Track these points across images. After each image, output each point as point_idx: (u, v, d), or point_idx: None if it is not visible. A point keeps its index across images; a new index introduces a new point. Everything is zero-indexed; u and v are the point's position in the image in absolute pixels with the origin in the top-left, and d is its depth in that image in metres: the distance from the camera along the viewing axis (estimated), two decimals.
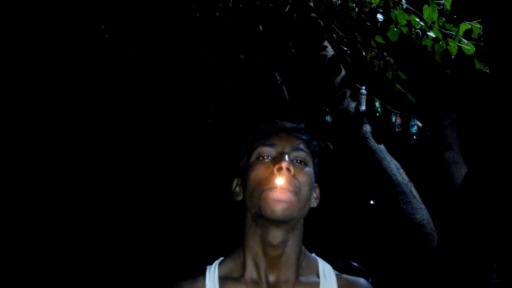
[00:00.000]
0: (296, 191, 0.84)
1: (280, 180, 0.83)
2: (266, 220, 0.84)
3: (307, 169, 0.88)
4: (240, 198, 0.92)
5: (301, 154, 0.88)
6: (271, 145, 0.88)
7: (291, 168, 0.84)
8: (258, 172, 0.86)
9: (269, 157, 0.87)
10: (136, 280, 5.63)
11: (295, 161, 0.87)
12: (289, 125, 0.94)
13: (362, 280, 0.95)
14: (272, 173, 0.84)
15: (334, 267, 0.96)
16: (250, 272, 0.89)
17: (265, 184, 0.83)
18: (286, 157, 0.85)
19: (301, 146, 0.90)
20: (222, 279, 0.90)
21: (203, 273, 0.93)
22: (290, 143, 0.89)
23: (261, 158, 0.88)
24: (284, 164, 0.83)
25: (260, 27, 2.73)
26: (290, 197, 0.83)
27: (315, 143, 0.94)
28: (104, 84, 3.49)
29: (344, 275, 0.94)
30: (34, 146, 4.52)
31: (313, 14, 2.46)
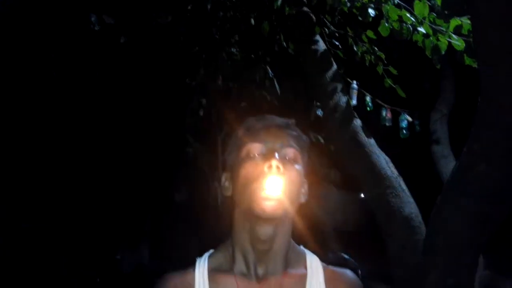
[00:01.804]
0: (286, 189, 0.84)
1: (270, 179, 0.83)
2: (255, 217, 0.85)
3: (296, 166, 0.88)
4: (229, 193, 0.93)
5: (291, 151, 0.88)
6: (261, 141, 0.88)
7: (281, 166, 0.84)
8: (248, 170, 0.86)
9: (259, 154, 0.87)
10: (127, 273, 5.63)
11: (285, 158, 0.87)
12: (279, 120, 0.93)
13: (348, 272, 0.97)
14: (262, 171, 0.84)
15: (324, 259, 0.98)
16: (239, 265, 0.90)
17: (255, 183, 0.84)
18: (276, 154, 0.85)
19: (291, 142, 0.90)
20: (212, 271, 0.91)
21: (192, 266, 0.93)
22: (280, 140, 0.89)
23: (251, 155, 0.88)
24: (274, 163, 0.83)
25: (252, 20, 2.72)
26: (280, 196, 0.83)
27: (305, 138, 0.94)
28: (93, 71, 3.46)
29: (331, 267, 0.96)
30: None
31: (305, 8, 2.45)
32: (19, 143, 4.67)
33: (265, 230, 0.86)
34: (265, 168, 0.84)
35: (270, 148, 0.87)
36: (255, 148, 0.88)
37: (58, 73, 3.45)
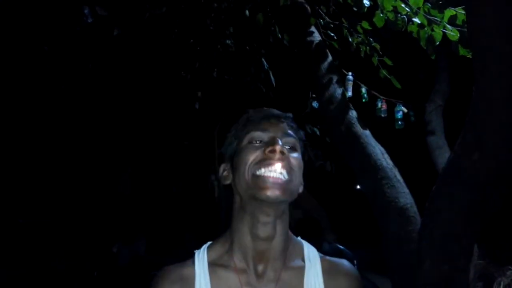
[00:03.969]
0: (289, 174, 0.85)
1: (274, 162, 0.84)
2: (257, 202, 0.85)
3: (296, 154, 0.90)
4: (228, 181, 0.93)
5: (291, 140, 0.90)
6: (263, 130, 0.90)
7: (285, 151, 0.85)
8: (251, 155, 0.87)
9: (261, 142, 0.89)
10: (124, 266, 5.64)
11: (285, 146, 0.89)
12: (278, 112, 0.96)
13: (345, 262, 0.98)
14: (265, 156, 0.85)
15: (320, 251, 0.98)
16: (239, 260, 0.91)
17: (259, 166, 0.85)
18: (279, 141, 0.87)
19: (291, 132, 0.92)
20: (211, 264, 0.91)
21: (191, 258, 0.94)
22: (280, 129, 0.91)
23: (253, 142, 0.89)
24: (277, 147, 0.85)
25: (247, 12, 2.70)
26: (284, 179, 0.84)
27: (302, 132, 0.96)
28: (86, 63, 3.43)
29: (328, 257, 0.97)
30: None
31: None
32: (16, 139, 4.64)
33: (265, 215, 0.86)
34: (268, 153, 0.85)
35: (271, 135, 0.89)
36: (257, 136, 0.90)
37: (51, 66, 3.42)
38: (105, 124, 4.75)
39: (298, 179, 0.89)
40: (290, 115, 0.96)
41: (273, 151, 0.84)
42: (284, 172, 0.84)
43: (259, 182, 0.84)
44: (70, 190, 5.53)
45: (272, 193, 0.83)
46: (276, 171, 0.84)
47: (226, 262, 0.91)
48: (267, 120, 0.92)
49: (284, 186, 0.84)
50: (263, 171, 0.84)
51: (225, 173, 0.95)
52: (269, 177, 0.83)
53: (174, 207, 6.02)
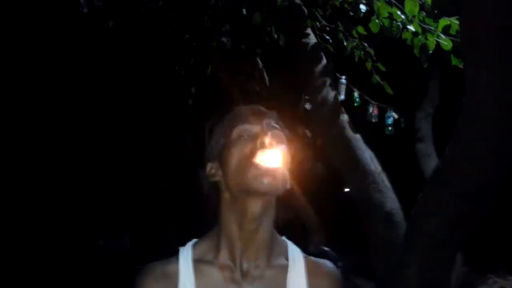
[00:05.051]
0: (280, 164, 0.86)
1: (265, 152, 0.85)
2: (249, 194, 0.86)
3: (284, 147, 0.91)
4: (216, 178, 0.93)
5: (279, 133, 0.91)
6: (250, 124, 0.91)
7: (274, 143, 0.86)
8: (242, 148, 0.87)
9: (250, 135, 0.89)
10: (109, 259, 5.60)
11: (273, 139, 0.89)
12: (263, 108, 0.97)
13: (327, 262, 0.99)
14: (256, 148, 0.86)
15: (305, 252, 0.99)
16: (224, 256, 0.90)
17: (250, 158, 0.85)
18: (269, 133, 0.88)
19: (277, 126, 0.93)
20: (196, 261, 0.91)
21: (175, 255, 0.93)
22: (267, 123, 0.91)
23: (242, 136, 0.89)
24: (268, 138, 0.86)
25: (244, 11, 2.70)
26: (275, 169, 0.85)
27: (286, 131, 0.97)
28: (79, 53, 3.39)
29: (311, 257, 0.97)
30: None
31: (297, 1, 2.45)
32: (3, 129, 4.57)
33: (255, 207, 0.87)
34: (258, 144, 0.86)
35: (260, 129, 0.89)
36: (246, 129, 0.90)
37: (44, 55, 3.38)
38: (94, 116, 4.71)
39: (287, 172, 0.90)
40: (274, 112, 0.97)
41: (264, 142, 0.86)
42: (276, 161, 0.85)
43: (253, 171, 0.84)
44: (57, 180, 5.47)
45: (266, 180, 0.83)
46: (268, 160, 0.85)
47: (211, 259, 0.91)
48: (254, 114, 0.93)
49: (277, 174, 0.85)
50: (256, 161, 0.85)
51: (212, 170, 0.95)
52: (262, 168, 0.84)
53: (162, 203, 5.99)
